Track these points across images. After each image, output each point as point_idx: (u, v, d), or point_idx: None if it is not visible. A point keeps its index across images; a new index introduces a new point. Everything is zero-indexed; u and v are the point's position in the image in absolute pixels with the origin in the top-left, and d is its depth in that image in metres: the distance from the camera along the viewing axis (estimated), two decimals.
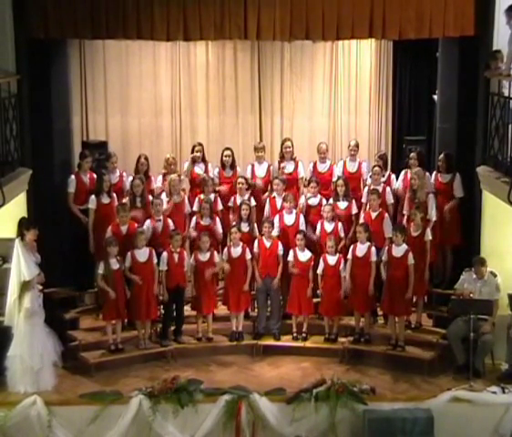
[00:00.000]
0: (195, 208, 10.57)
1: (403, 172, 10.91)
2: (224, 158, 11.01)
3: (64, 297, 10.37)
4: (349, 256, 9.83)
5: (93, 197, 10.29)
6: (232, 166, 11.03)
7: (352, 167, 11.02)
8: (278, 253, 10.10)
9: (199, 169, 11.00)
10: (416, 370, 9.30)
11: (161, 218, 10.18)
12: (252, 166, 11.05)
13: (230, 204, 10.69)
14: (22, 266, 8.63)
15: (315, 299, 10.27)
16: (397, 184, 10.82)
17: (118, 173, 10.89)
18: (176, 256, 9.88)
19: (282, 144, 11.17)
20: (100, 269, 9.56)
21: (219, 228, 10.39)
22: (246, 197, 10.51)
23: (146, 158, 10.87)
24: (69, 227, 10.45)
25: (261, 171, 11.01)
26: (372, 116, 12.77)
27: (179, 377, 8.69)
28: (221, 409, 8.32)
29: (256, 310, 10.47)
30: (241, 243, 10.04)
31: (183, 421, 8.32)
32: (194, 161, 11.02)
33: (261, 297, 10.26)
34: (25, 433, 8.17)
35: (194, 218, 10.43)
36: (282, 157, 11.05)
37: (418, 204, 9.96)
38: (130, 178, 10.72)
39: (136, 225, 10.04)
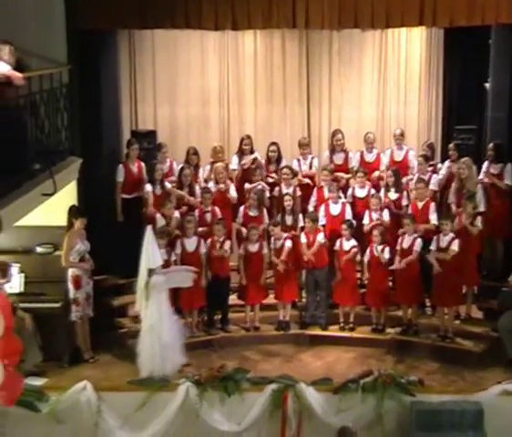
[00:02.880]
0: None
1: (447, 162, 10.78)
2: (270, 153, 11.04)
3: (113, 284, 10.47)
4: (397, 247, 9.75)
5: (148, 185, 10.37)
6: (278, 161, 11.02)
7: (398, 156, 10.96)
8: (317, 240, 9.99)
9: (246, 161, 11.05)
10: (465, 362, 9.17)
11: (209, 208, 10.23)
12: (298, 161, 11.06)
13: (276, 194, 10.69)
14: (150, 253, 8.75)
15: (362, 290, 10.20)
16: (442, 173, 10.65)
17: (169, 163, 10.98)
18: (218, 245, 9.89)
19: (333, 136, 11.12)
20: None
21: (266, 219, 10.39)
22: (291, 189, 10.48)
23: (196, 152, 10.93)
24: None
25: (306, 167, 11.01)
26: (421, 105, 12.57)
27: (225, 365, 8.71)
28: (268, 398, 8.29)
29: (303, 300, 10.43)
30: (285, 234, 9.99)
31: (230, 409, 8.31)
32: (242, 153, 11.05)
33: (309, 287, 10.22)
34: (76, 418, 8.24)
35: (241, 209, 10.44)
36: (333, 149, 11.00)
37: (469, 194, 9.78)
38: (180, 167, 10.80)
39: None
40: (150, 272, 8.74)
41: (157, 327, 8.71)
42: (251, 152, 11.09)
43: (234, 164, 11.12)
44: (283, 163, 11.01)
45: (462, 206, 9.81)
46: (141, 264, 8.79)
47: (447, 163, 10.75)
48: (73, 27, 9.88)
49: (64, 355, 9.30)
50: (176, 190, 10.49)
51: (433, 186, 10.39)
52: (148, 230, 8.87)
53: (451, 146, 10.66)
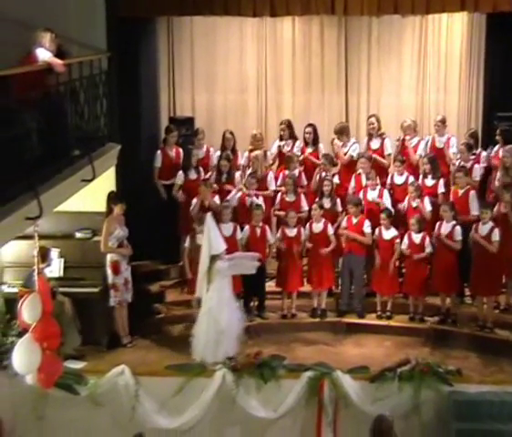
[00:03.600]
0: (279, 183, 10.63)
1: (489, 149, 10.63)
2: (305, 135, 11.00)
3: (150, 270, 10.53)
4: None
5: (180, 172, 10.44)
6: (314, 142, 10.98)
7: (439, 143, 10.79)
8: (363, 230, 9.96)
9: (286, 147, 11.06)
10: (505, 353, 9.02)
11: (253, 193, 10.24)
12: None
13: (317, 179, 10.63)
14: (212, 240, 8.79)
15: (400, 278, 10.13)
16: (484, 160, 10.50)
17: (205, 149, 11.00)
18: (258, 230, 9.88)
19: (367, 121, 11.07)
20: (186, 244, 9.65)
21: (304, 204, 10.36)
22: (331, 173, 10.49)
23: (231, 133, 10.95)
24: (157, 200, 10.59)
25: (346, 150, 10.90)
26: (461, 92, 12.39)
27: (261, 352, 8.71)
28: (304, 385, 8.28)
29: (339, 288, 10.39)
30: (323, 219, 9.96)
31: (266, 396, 8.33)
32: (281, 139, 11.06)
33: (345, 274, 10.17)
34: (114, 401, 8.33)
35: (279, 195, 10.44)
36: (370, 135, 10.91)
37: (507, 183, 9.64)
38: (217, 154, 10.86)
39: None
40: (213, 258, 8.74)
41: (215, 311, 8.69)
42: (291, 136, 11.07)
43: (273, 150, 11.17)
44: (322, 149, 10.99)
45: (500, 193, 9.68)
46: (203, 250, 8.82)
47: (490, 149, 10.60)
48: (113, 14, 9.94)
49: (102, 339, 9.38)
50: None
51: (476, 176, 10.22)
52: (209, 217, 8.91)
53: (497, 131, 10.48)
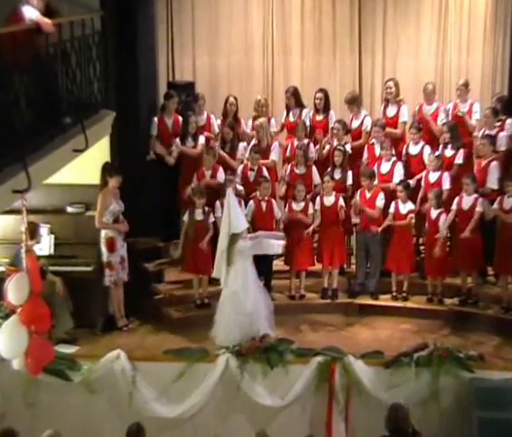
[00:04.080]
0: (288, 154, 10.61)
1: None
2: (316, 101, 10.92)
3: (148, 247, 10.48)
4: (453, 206, 9.59)
5: (177, 140, 10.39)
6: (325, 109, 10.92)
7: (462, 110, 10.67)
8: (376, 204, 9.95)
9: (292, 116, 11.00)
10: None
11: (256, 168, 10.22)
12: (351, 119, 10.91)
13: (325, 151, 10.62)
14: (232, 217, 8.78)
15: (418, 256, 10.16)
16: (509, 127, 10.35)
17: (206, 116, 10.94)
18: (264, 205, 9.86)
19: (384, 85, 11.00)
20: (186, 218, 9.68)
21: (316, 177, 10.35)
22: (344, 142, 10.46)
23: (235, 98, 10.91)
24: (155, 173, 10.55)
25: (356, 123, 10.85)
26: (485, 54, 12.31)
27: (268, 335, 8.71)
28: (314, 371, 8.30)
29: (352, 267, 10.39)
30: (334, 192, 9.97)
31: (273, 382, 8.35)
32: (288, 108, 11.02)
33: (360, 251, 10.16)
34: (110, 387, 8.38)
35: (288, 167, 10.42)
36: (387, 101, 10.85)
37: None
38: (218, 122, 10.83)
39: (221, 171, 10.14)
40: (234, 237, 8.76)
41: (241, 294, 8.72)
42: (298, 105, 11.00)
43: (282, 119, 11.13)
44: (333, 116, 10.94)
45: None
46: (221, 228, 8.85)
47: None
48: None
49: (97, 322, 9.41)
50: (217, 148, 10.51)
51: (501, 145, 10.12)
52: (230, 192, 8.93)
53: None
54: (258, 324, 8.75)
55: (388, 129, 10.53)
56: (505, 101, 10.68)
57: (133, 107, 10.38)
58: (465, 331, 9.28)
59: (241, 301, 8.70)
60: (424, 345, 8.45)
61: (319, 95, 10.89)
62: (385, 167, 10.22)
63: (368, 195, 9.98)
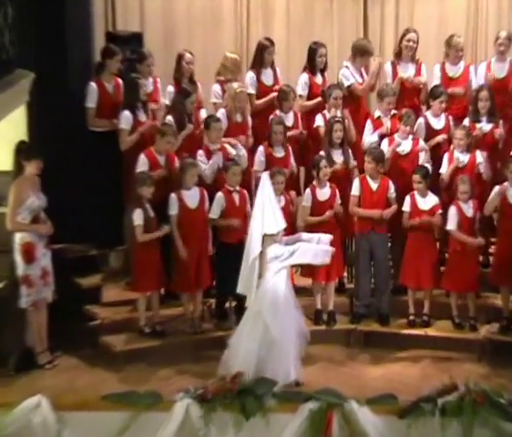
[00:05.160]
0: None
1: None
2: (318, 59, 11.07)
3: (80, 256, 10.57)
4: (491, 198, 9.71)
5: (126, 113, 10.38)
6: (324, 70, 11.10)
7: (499, 71, 10.89)
8: (388, 196, 10.03)
9: (266, 78, 11.14)
10: None
11: (219, 146, 10.26)
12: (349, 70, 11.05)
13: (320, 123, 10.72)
14: (266, 212, 8.74)
15: (442, 268, 10.20)
16: None
17: (152, 81, 11.05)
18: (236, 197, 9.92)
19: (403, 36, 11.09)
20: (138, 218, 9.60)
21: (292, 161, 10.56)
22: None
23: (191, 54, 11.02)
24: (90, 156, 10.50)
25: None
26: None
27: (242, 374, 8.58)
28: (304, 421, 8.19)
29: (354, 281, 10.45)
30: (328, 183, 10.08)
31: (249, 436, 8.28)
32: (261, 66, 11.15)
33: (363, 260, 10.20)
34: None
35: (261, 148, 10.49)
36: (399, 55, 10.99)
37: None
38: (170, 88, 10.90)
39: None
40: (266, 240, 8.71)
41: (266, 315, 8.63)
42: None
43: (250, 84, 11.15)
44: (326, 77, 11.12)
45: None
46: (252, 227, 8.81)
47: None
48: None
49: (9, 358, 9.31)
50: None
51: None
52: (265, 177, 8.91)
53: None
54: (278, 363, 8.66)
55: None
56: None
57: (59, 67, 10.42)
58: (508, 368, 9.30)
59: (265, 325, 8.62)
60: (451, 387, 8.36)
61: (322, 50, 11.00)
62: (406, 147, 10.35)
63: (374, 185, 10.04)
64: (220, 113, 10.62)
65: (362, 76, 11.05)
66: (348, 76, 10.99)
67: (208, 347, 9.78)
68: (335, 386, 8.56)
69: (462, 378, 8.54)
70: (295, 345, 8.75)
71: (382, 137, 10.54)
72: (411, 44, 10.92)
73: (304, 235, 9.27)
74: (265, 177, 8.94)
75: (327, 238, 9.16)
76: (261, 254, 8.70)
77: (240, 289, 8.95)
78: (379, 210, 9.96)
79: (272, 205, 8.80)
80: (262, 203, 8.74)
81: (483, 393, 8.22)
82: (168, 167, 10.08)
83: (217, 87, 11.06)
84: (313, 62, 11.05)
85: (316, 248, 9.03)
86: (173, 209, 9.72)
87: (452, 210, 9.85)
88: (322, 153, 10.25)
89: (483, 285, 10.06)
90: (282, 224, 8.83)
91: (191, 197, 9.79)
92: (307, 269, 10.07)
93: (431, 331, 10.00)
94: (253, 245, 8.73)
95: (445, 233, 10.10)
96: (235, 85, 10.67)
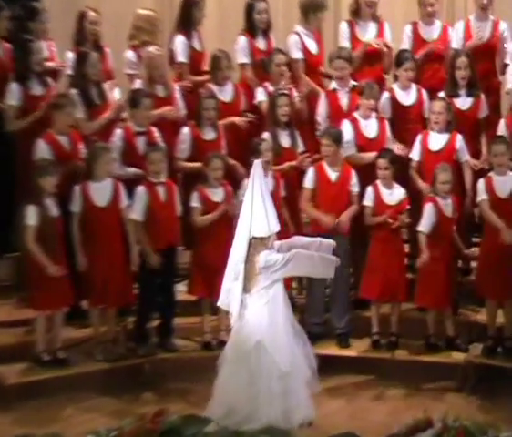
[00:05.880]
0: None
1: None
2: (256, 16, 11.11)
3: None
4: (482, 196, 9.73)
5: (14, 85, 10.37)
6: (267, 31, 11.19)
7: (481, 33, 10.94)
8: (349, 189, 10.10)
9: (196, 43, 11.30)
10: None
11: (144, 129, 10.30)
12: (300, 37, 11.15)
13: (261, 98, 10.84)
14: (255, 211, 8.65)
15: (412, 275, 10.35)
16: None
17: (46, 45, 11.02)
18: (161, 191, 9.94)
19: None
20: (31, 219, 9.45)
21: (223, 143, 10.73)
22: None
23: (96, 12, 11.11)
24: None
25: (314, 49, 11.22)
26: None
27: (167, 410, 8.43)
28: None
29: (305, 293, 10.52)
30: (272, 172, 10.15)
31: None
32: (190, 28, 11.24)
33: None
34: None
35: (186, 130, 10.53)
36: (357, 13, 11.16)
37: None
38: (70, 55, 10.90)
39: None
40: (255, 244, 8.61)
41: (264, 340, 8.53)
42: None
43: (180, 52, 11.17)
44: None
45: None
46: (238, 228, 8.78)
47: None
48: None
49: None
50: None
51: None
52: (256, 165, 8.82)
53: None
54: (295, 400, 8.62)
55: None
56: None
57: None
58: (494, 397, 9.37)
59: (273, 355, 8.53)
60: (426, 423, 8.31)
61: (261, 5, 11.05)
62: (370, 129, 10.48)
63: (333, 175, 10.06)
64: (137, 85, 10.65)
65: (318, 40, 11.13)
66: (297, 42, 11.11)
67: (122, 377, 9.76)
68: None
69: (438, 412, 8.39)
70: (303, 373, 8.73)
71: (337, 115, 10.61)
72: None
73: (301, 239, 9.19)
74: (257, 165, 8.86)
75: (330, 243, 9.09)
76: (249, 262, 8.64)
77: (220, 303, 8.91)
78: (332, 216, 9.96)
79: (265, 201, 8.72)
80: (252, 198, 8.69)
81: (464, 431, 8.12)
82: (73, 149, 10.09)
83: (130, 54, 11.14)
84: (251, 21, 11.08)
85: (316, 256, 8.93)
86: (75, 206, 9.70)
87: (427, 208, 9.87)
88: (264, 135, 10.29)
89: (463, 297, 10.18)
90: (276, 226, 8.77)
91: (101, 191, 9.74)
92: None
93: (400, 355, 10.06)
94: (238, 249, 8.72)
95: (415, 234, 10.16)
96: (151, 48, 10.74)
